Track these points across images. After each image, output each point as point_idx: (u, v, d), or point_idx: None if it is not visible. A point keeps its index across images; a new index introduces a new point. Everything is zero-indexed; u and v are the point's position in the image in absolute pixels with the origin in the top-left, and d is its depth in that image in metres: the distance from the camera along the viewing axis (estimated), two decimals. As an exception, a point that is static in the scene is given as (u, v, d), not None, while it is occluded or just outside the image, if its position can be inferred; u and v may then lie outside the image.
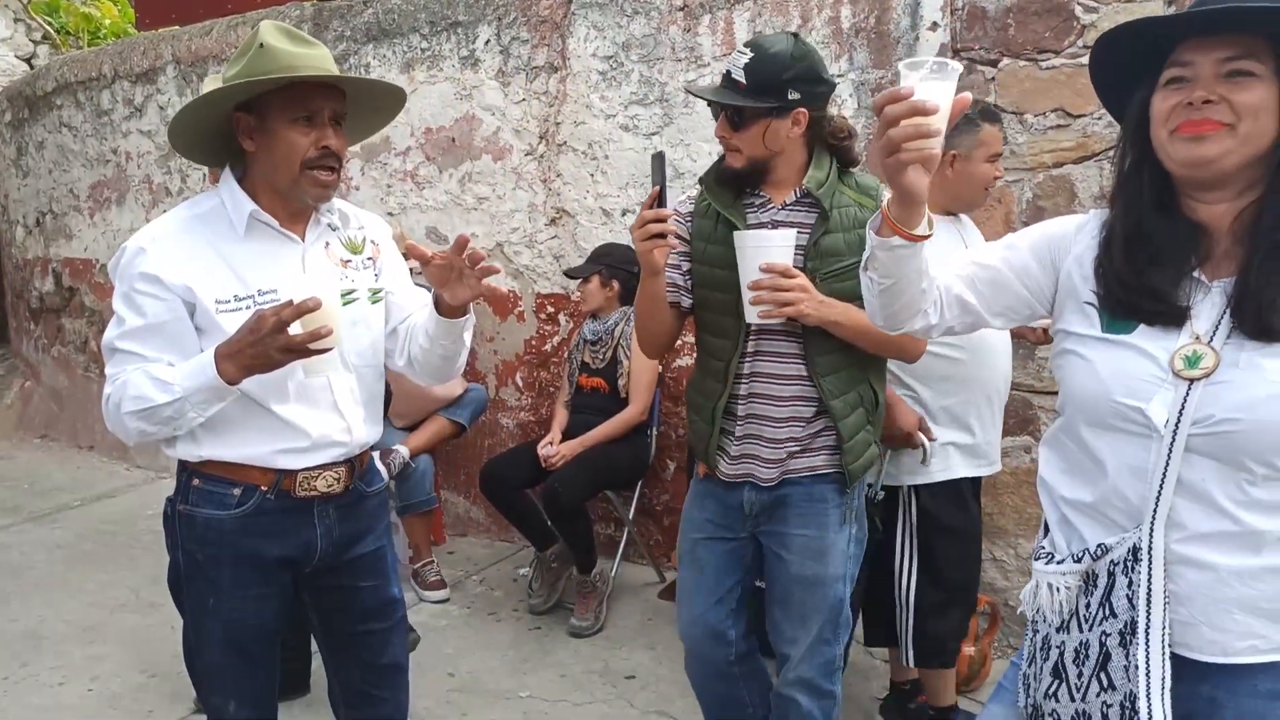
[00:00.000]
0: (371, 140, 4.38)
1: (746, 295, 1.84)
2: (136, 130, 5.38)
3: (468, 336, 1.84)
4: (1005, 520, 3.22)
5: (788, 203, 1.94)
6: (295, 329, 1.51)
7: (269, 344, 1.51)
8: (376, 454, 1.96)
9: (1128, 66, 1.26)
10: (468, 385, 3.83)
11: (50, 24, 7.86)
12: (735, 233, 1.87)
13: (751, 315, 1.85)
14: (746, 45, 1.87)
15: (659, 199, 1.82)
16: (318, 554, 1.79)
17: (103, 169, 5.68)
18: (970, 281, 1.42)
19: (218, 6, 5.25)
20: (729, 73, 1.87)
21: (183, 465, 1.74)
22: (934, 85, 1.17)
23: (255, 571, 1.73)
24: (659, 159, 1.87)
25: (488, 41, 4.04)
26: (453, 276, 1.70)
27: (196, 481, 1.72)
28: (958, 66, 1.21)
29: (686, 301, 2.04)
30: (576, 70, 3.84)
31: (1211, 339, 1.17)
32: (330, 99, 1.66)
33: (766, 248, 1.82)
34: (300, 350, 1.52)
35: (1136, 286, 1.23)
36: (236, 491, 1.70)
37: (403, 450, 3.53)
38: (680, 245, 2.01)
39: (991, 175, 2.34)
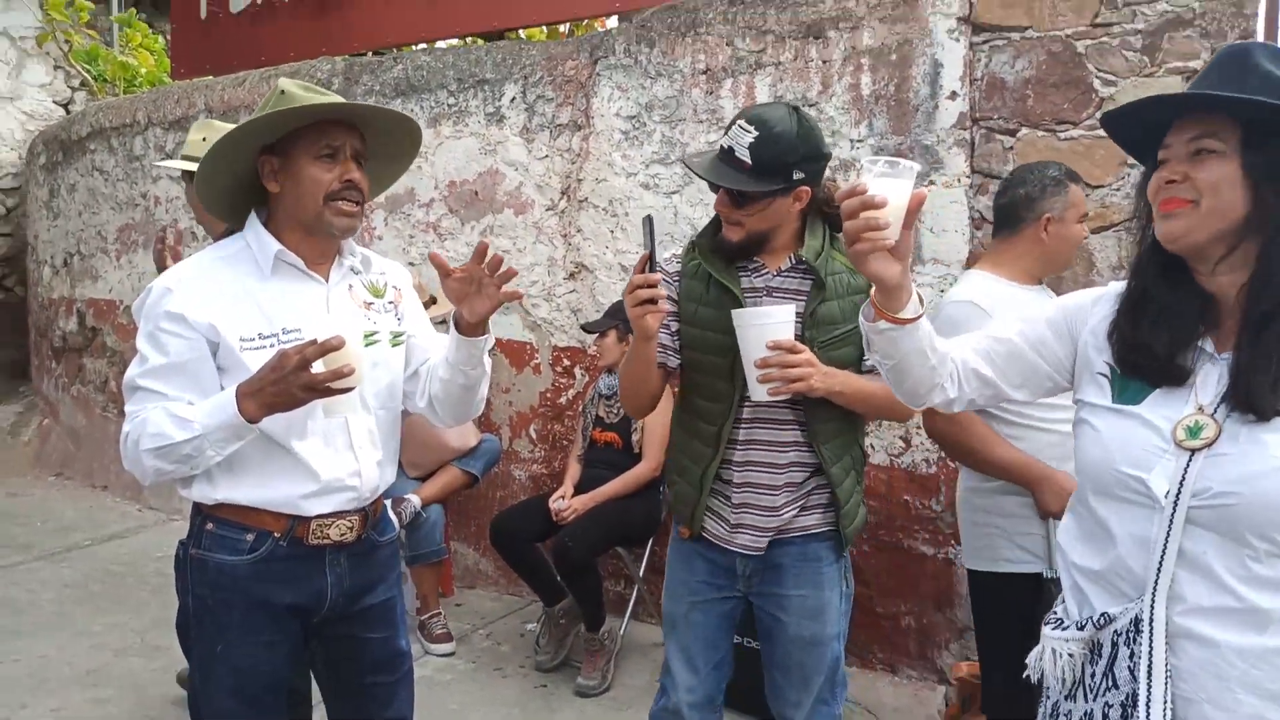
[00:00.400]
0: (395, 191, 4.46)
1: (753, 373, 1.81)
2: (166, 176, 5.49)
3: (488, 363, 1.85)
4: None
5: (782, 269, 1.95)
6: (318, 367, 1.53)
7: (292, 381, 1.53)
8: (388, 502, 1.96)
9: (1143, 140, 1.30)
10: (482, 436, 3.84)
11: (88, 71, 8.07)
12: (735, 311, 1.84)
13: (760, 393, 1.82)
14: (749, 122, 1.82)
15: (649, 263, 1.82)
16: (328, 602, 1.78)
17: (131, 212, 5.79)
18: (986, 355, 1.45)
19: (251, 59, 5.39)
20: (732, 150, 1.82)
21: (197, 509, 1.75)
22: (886, 182, 1.27)
23: (266, 618, 1.73)
24: (649, 222, 1.88)
25: (513, 99, 4.12)
26: (472, 289, 1.73)
27: (210, 526, 1.72)
28: (914, 165, 1.30)
29: (673, 362, 2.03)
30: (600, 129, 3.91)
31: (1215, 410, 1.18)
32: (351, 136, 1.72)
33: (770, 325, 1.80)
34: (322, 389, 1.54)
35: (1138, 344, 1.25)
36: (249, 537, 1.70)
37: (414, 500, 3.53)
38: (670, 307, 1.98)
39: (1081, 235, 2.33)
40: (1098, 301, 1.38)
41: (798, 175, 1.84)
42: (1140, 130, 1.29)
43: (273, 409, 1.58)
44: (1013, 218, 2.25)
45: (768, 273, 1.95)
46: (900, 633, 3.40)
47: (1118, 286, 1.36)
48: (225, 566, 1.71)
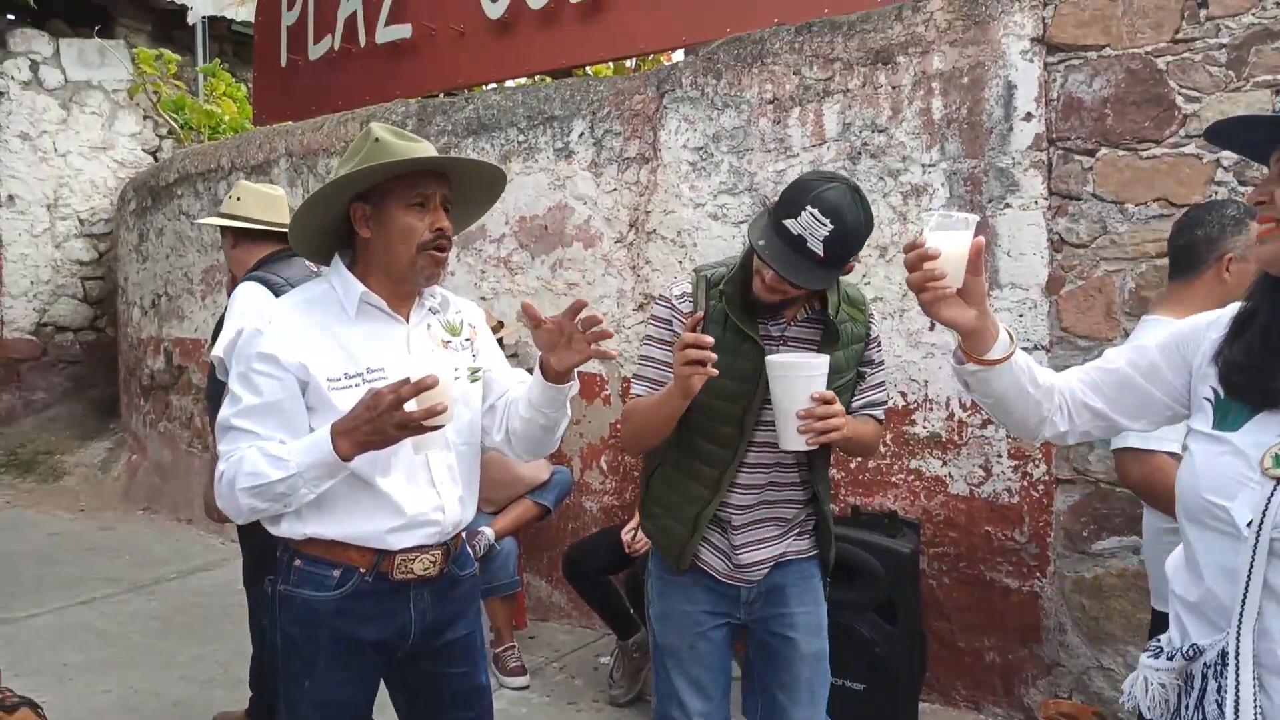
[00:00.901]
0: (467, 228, 4.55)
1: (791, 422, 1.79)
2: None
3: (569, 407, 1.86)
4: (1112, 625, 3.05)
5: (799, 319, 1.98)
6: (410, 406, 1.55)
7: (386, 420, 1.56)
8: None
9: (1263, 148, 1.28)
10: (554, 468, 3.85)
11: (175, 120, 8.44)
12: (779, 360, 1.83)
13: (797, 443, 1.81)
14: (824, 214, 1.74)
15: (704, 324, 1.83)
16: (412, 638, 1.79)
17: (216, 254, 6.01)
18: (1095, 386, 1.45)
19: (329, 104, 5.57)
20: (804, 240, 1.76)
21: (284, 546, 1.78)
22: (943, 235, 1.35)
23: (351, 654, 1.75)
24: (703, 282, 1.89)
25: (581, 134, 4.18)
26: (561, 341, 1.73)
27: (298, 563, 1.75)
28: (971, 217, 1.37)
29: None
30: (667, 161, 3.93)
31: None
32: (440, 185, 1.76)
33: (815, 376, 1.79)
34: (415, 427, 1.57)
35: (1238, 364, 1.23)
36: (336, 573, 1.73)
37: (488, 532, 3.55)
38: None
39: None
40: (1212, 326, 1.35)
41: (854, 259, 1.87)
42: (1260, 143, 1.27)
43: (366, 447, 1.61)
44: (1192, 260, 2.16)
45: (784, 322, 1.96)
46: (984, 669, 3.29)
47: (1234, 309, 1.33)
48: (313, 602, 1.73)
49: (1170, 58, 2.94)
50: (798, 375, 1.80)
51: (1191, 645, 1.21)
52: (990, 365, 1.39)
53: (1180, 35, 2.92)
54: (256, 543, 2.81)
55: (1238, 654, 1.14)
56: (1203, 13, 2.89)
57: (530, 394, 1.82)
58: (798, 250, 1.77)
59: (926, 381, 3.33)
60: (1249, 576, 1.13)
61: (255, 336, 1.71)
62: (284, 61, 5.99)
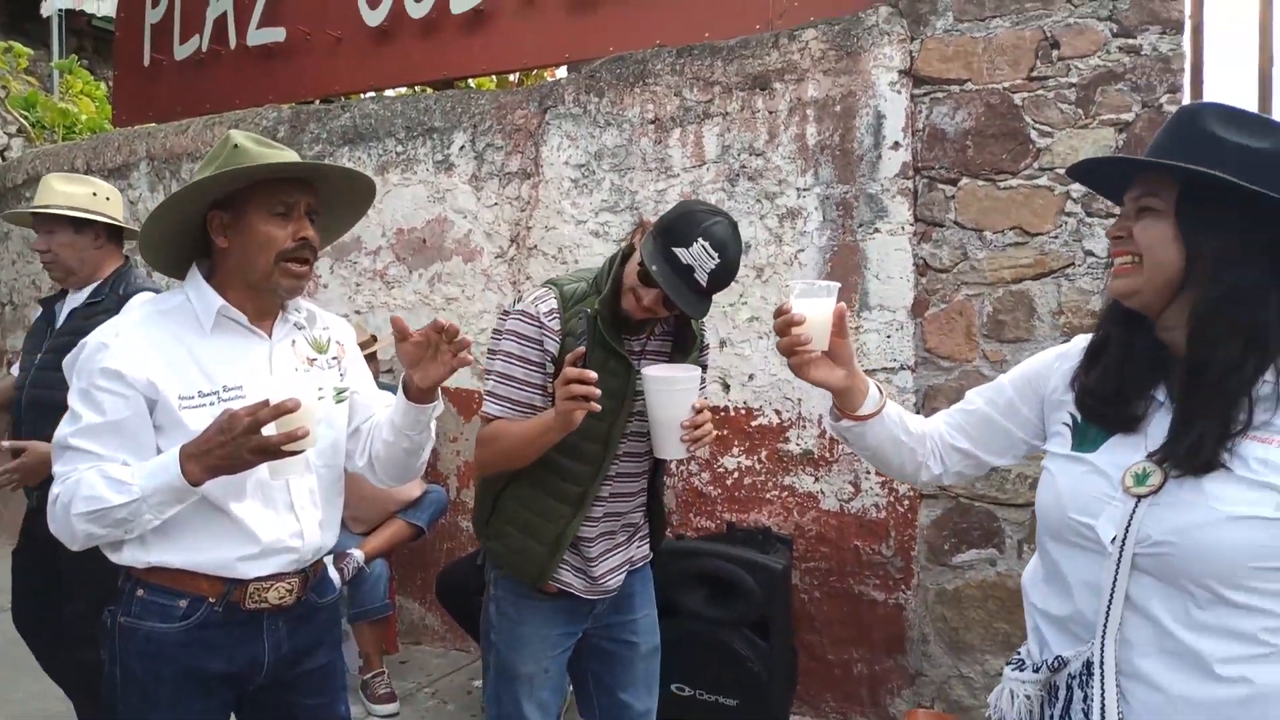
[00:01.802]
0: (342, 239, 4.40)
1: (672, 432, 1.87)
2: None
3: (433, 428, 1.81)
4: (971, 635, 3.17)
5: (655, 333, 2.07)
6: (269, 430, 1.47)
7: (241, 444, 1.47)
8: (329, 560, 1.89)
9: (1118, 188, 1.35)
10: (427, 487, 3.75)
11: (26, 118, 7.92)
12: (656, 374, 1.90)
13: (678, 451, 1.90)
14: (714, 248, 1.85)
15: (585, 359, 1.87)
16: (264, 670, 1.70)
17: (67, 260, 5.64)
18: (960, 428, 1.52)
19: (195, 106, 5.32)
20: (692, 270, 1.85)
21: (126, 574, 1.67)
22: (806, 301, 1.44)
23: (198, 689, 1.65)
24: (590, 321, 1.93)
25: (462, 147, 4.12)
26: (426, 355, 1.69)
27: (141, 592, 1.64)
28: (832, 285, 1.47)
29: None
30: (549, 177, 3.91)
31: (1162, 458, 1.20)
32: (305, 193, 1.69)
33: (693, 389, 1.90)
34: (273, 452, 1.48)
35: (1094, 390, 1.30)
36: (183, 603, 1.63)
37: (357, 555, 3.43)
38: (548, 369, 1.99)
39: None
40: (1061, 356, 1.43)
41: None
42: (1115, 180, 1.35)
43: (218, 471, 1.51)
44: None
45: (644, 338, 2.06)
46: (852, 680, 3.37)
47: (1082, 341, 1.41)
48: (156, 634, 1.62)
49: (1025, 94, 3.11)
50: (678, 388, 1.88)
51: (1056, 657, 1.25)
52: (863, 420, 1.47)
53: (1035, 73, 3.10)
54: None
55: (1102, 664, 1.19)
56: (1055, 53, 3.07)
57: (394, 416, 1.76)
58: (684, 278, 1.86)
59: (800, 400, 3.41)
60: (1113, 590, 1.19)
61: (99, 350, 1.60)
62: (147, 61, 5.69)
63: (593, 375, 1.80)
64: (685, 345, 2.08)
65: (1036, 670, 1.28)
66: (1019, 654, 1.37)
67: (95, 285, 2.80)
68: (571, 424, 1.84)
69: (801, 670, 3.34)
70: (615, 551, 2.10)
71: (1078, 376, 1.35)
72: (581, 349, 1.87)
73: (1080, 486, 1.26)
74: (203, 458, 1.50)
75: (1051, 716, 1.26)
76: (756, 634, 2.98)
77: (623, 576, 2.11)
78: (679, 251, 1.86)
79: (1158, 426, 1.23)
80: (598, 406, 1.82)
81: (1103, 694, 1.19)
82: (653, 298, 1.90)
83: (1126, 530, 1.18)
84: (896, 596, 3.29)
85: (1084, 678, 1.21)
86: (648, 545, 2.22)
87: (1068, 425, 1.34)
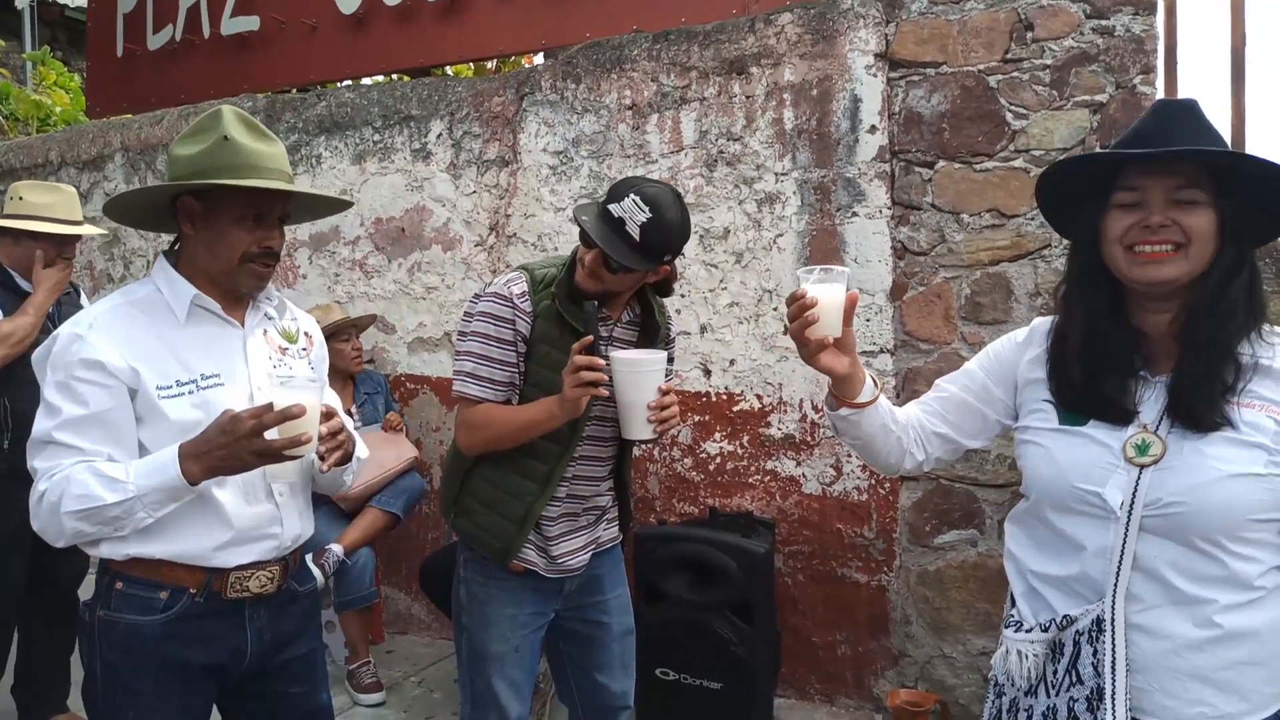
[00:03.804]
0: (320, 229, 4.39)
1: (639, 414, 1.91)
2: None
3: (348, 477, 1.89)
4: (953, 615, 3.20)
5: (623, 320, 2.12)
6: (272, 434, 1.48)
7: (244, 446, 1.48)
8: (309, 555, 1.90)
9: (1072, 186, 1.40)
10: (410, 463, 3.75)
11: (-2, 110, 7.83)
12: (625, 356, 1.93)
13: (645, 431, 1.93)
14: (645, 201, 1.91)
15: (594, 348, 1.90)
16: (247, 660, 1.71)
17: (43, 254, 5.58)
18: (938, 414, 1.58)
19: (169, 97, 5.27)
20: (623, 222, 1.91)
21: (104, 568, 1.66)
22: (821, 287, 1.43)
23: (180, 681, 1.64)
24: (592, 308, 1.96)
25: (440, 135, 4.10)
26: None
27: (120, 585, 1.63)
28: (844, 270, 1.47)
29: (515, 400, 2.07)
30: (527, 164, 3.90)
31: (1157, 429, 1.30)
32: (281, 200, 1.70)
33: (659, 371, 1.93)
34: (274, 455, 1.49)
35: (1089, 389, 1.36)
36: (163, 595, 1.62)
37: (336, 549, 3.42)
38: (523, 347, 2.03)
39: None
40: (1028, 339, 1.51)
41: (667, 257, 2.00)
42: (1073, 179, 1.39)
43: (218, 472, 1.52)
44: None
45: (611, 322, 2.09)
46: (836, 662, 3.40)
47: (1041, 323, 1.49)
48: (136, 628, 1.62)
49: (1000, 76, 3.12)
50: (646, 370, 1.91)
51: (1065, 616, 1.34)
52: (860, 409, 1.50)
53: (1009, 55, 3.11)
54: None
55: (1113, 620, 1.29)
56: (1029, 34, 3.08)
57: (314, 471, 1.84)
58: (615, 231, 1.91)
59: (781, 384, 3.42)
60: (1122, 551, 1.29)
61: (74, 342, 1.58)
62: (120, 51, 5.62)
63: (601, 362, 1.87)
64: (650, 333, 2.13)
65: (1045, 630, 1.36)
66: (1012, 615, 1.45)
67: None
68: (578, 410, 1.91)
69: (785, 653, 3.37)
70: (577, 534, 2.13)
71: (1060, 369, 1.41)
72: (589, 339, 1.90)
73: (1081, 456, 1.34)
74: (203, 458, 1.50)
75: (1055, 672, 1.35)
76: (740, 618, 3.00)
77: (587, 558, 2.14)
78: (610, 207, 1.93)
79: (1146, 402, 1.33)
80: (605, 392, 1.90)
81: (1113, 647, 1.29)
82: (593, 257, 1.95)
83: (1134, 496, 1.28)
84: (879, 578, 3.31)
85: (1093, 633, 1.31)
86: (616, 528, 2.26)
87: (1049, 401, 1.41)
